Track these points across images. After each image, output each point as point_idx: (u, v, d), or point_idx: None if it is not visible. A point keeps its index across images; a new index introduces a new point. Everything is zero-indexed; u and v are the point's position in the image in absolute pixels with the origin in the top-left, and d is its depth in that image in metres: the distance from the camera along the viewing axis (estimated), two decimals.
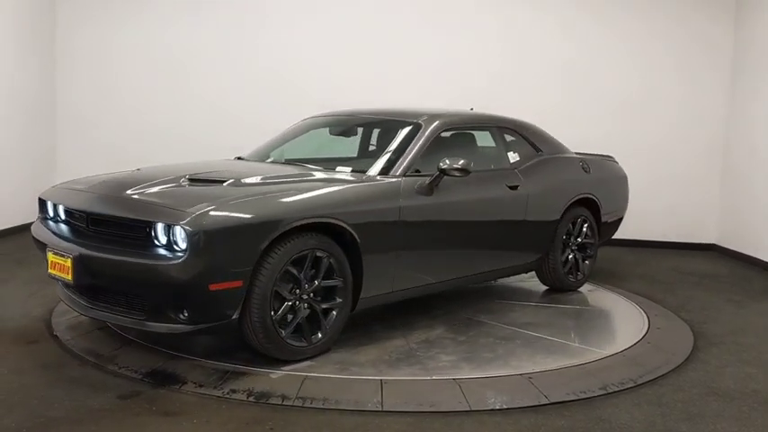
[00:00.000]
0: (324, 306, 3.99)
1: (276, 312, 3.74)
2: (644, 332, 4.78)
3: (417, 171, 4.54)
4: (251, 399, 3.46)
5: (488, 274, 5.32)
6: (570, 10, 8.08)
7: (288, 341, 3.83)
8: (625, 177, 6.45)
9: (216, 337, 4.14)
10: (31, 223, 4.52)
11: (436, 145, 4.74)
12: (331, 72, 8.10)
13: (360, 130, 5.44)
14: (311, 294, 3.91)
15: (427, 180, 4.48)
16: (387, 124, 5.20)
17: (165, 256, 3.53)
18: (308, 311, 3.91)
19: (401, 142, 4.69)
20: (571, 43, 8.09)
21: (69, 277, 3.78)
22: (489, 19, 8.11)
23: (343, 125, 5.45)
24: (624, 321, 5.14)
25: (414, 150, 4.61)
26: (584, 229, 5.81)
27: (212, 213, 3.54)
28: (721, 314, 5.47)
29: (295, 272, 3.80)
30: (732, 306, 5.74)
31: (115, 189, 4.05)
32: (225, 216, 3.58)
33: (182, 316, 3.61)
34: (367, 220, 4.10)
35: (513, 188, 5.09)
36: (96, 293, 3.92)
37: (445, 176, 4.46)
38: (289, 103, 7.77)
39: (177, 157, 7.13)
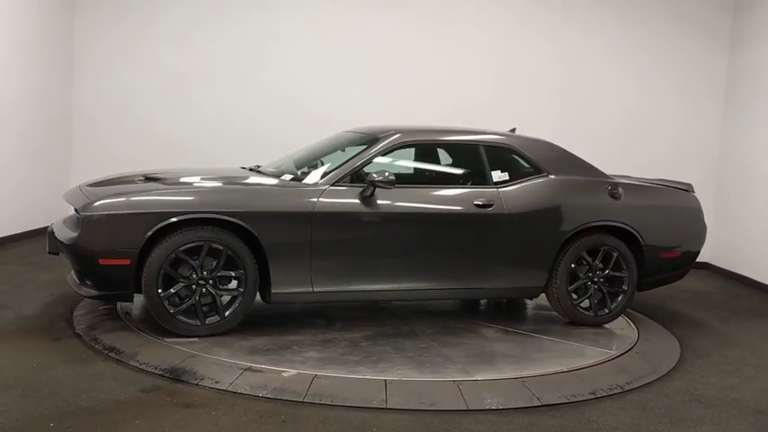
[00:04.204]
0: (223, 294, 4.52)
1: (164, 291, 4.36)
2: (633, 343, 5.02)
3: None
4: (264, 395, 3.71)
5: (457, 292, 5.16)
6: (568, 33, 8.40)
7: (178, 317, 4.43)
8: (694, 209, 5.70)
9: (229, 338, 4.48)
10: (48, 227, 4.99)
11: (400, 158, 5.22)
12: (344, 91, 8.40)
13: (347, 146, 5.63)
14: (210, 281, 4.45)
15: (359, 191, 4.71)
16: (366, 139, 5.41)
17: (74, 233, 4.40)
18: (204, 295, 4.45)
19: (355, 155, 4.93)
20: (568, 66, 8.40)
21: (47, 244, 4.78)
22: (495, 41, 8.43)
23: (339, 141, 5.64)
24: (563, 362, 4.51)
25: (354, 162, 4.84)
26: (614, 261, 5.26)
27: (103, 203, 4.37)
28: (709, 329, 5.72)
29: (188, 259, 4.39)
30: (720, 322, 5.99)
31: (83, 183, 4.98)
32: (113, 206, 4.37)
33: (90, 282, 4.44)
34: (270, 220, 4.50)
35: (485, 207, 4.93)
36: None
37: (377, 188, 4.66)
38: (300, 119, 8.19)
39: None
